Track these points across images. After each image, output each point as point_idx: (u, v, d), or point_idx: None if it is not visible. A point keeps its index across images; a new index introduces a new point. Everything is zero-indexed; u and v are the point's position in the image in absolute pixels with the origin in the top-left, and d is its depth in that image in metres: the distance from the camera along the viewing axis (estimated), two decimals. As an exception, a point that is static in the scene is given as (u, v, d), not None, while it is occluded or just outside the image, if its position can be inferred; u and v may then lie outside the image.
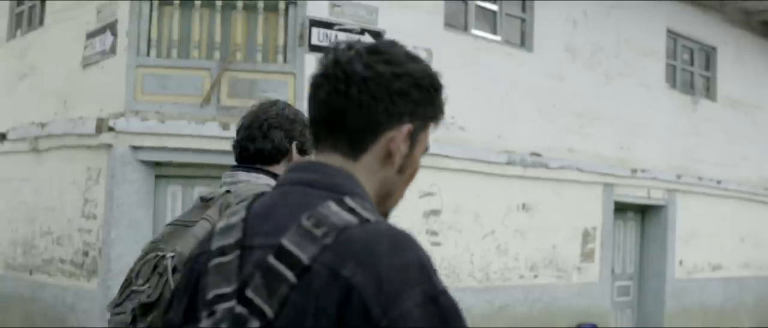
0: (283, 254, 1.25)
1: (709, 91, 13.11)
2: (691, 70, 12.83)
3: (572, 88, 10.50)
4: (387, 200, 1.43)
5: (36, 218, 9.11)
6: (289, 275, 1.23)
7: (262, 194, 1.44)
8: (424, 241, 8.65)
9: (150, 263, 2.12)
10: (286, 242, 1.26)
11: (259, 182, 2.24)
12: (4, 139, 9.75)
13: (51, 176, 8.87)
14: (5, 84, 10.36)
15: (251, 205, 1.40)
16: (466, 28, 9.58)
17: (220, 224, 1.40)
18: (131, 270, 2.18)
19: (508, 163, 9.62)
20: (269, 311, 1.23)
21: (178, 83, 7.99)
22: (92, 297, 8.00)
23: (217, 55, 8.02)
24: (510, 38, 10.06)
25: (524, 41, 10.17)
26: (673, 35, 12.31)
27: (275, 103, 2.42)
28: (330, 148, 1.38)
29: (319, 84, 1.36)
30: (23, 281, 9.23)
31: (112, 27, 8.24)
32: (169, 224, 2.29)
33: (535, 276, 10.08)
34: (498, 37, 9.90)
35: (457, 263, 9.21)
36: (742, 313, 13.61)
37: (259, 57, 8.11)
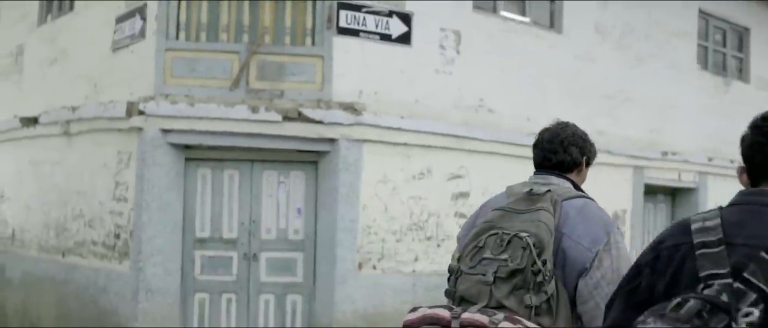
0: None
1: (742, 73, 12.93)
2: (724, 52, 12.66)
3: (602, 70, 10.40)
4: None
5: (68, 201, 9.21)
6: None
7: (722, 207, 1.93)
8: (452, 224, 8.66)
9: (499, 237, 2.58)
10: None
11: (564, 185, 2.83)
12: (36, 123, 9.86)
13: (82, 159, 8.96)
14: (37, 69, 10.47)
15: (721, 214, 1.89)
16: (494, 10, 9.49)
17: (696, 226, 1.90)
18: (472, 242, 2.64)
19: (537, 145, 9.54)
20: (766, 289, 1.70)
21: (207, 67, 8.02)
22: (124, 279, 8.09)
23: (245, 38, 8.04)
24: (539, 20, 9.97)
25: (553, 23, 10.07)
26: (704, 16, 12.14)
27: (567, 124, 3.01)
28: None
29: (763, 142, 1.92)
30: (56, 264, 9.35)
31: (141, 11, 8.28)
32: (498, 209, 2.73)
33: (564, 259, 10.01)
34: (527, 19, 9.81)
35: (486, 246, 9.16)
36: (774, 297, 13.46)
37: (287, 40, 8.11)
